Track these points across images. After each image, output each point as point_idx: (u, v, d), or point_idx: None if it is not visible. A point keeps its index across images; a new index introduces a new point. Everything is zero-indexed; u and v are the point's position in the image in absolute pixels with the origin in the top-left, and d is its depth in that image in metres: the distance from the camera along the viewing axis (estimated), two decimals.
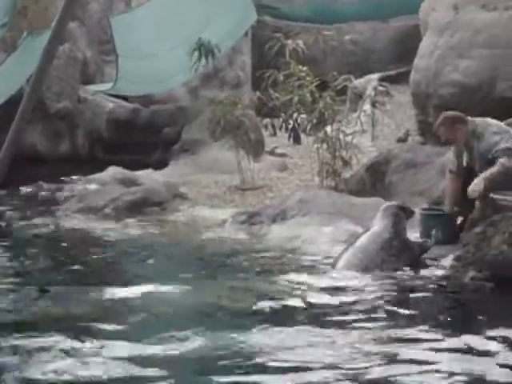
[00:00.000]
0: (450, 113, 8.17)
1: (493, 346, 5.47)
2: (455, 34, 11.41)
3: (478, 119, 8.00)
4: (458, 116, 8.04)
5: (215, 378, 4.99)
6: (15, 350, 5.48)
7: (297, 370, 5.13)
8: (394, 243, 7.49)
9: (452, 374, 4.98)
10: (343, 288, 7.04)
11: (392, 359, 5.27)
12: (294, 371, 5.11)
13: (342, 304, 6.59)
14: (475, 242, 7.28)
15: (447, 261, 7.43)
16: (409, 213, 7.78)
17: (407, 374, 5.00)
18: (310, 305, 6.55)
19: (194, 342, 5.59)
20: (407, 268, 7.41)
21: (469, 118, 7.99)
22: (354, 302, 6.62)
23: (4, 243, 9.32)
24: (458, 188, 8.05)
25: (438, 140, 8.55)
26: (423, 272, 7.36)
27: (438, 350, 5.43)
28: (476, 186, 7.59)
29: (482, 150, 7.86)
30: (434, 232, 7.67)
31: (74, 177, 13.27)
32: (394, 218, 7.59)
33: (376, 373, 5.05)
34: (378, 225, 7.59)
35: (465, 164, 8.07)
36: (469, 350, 5.41)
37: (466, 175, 8.05)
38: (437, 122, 8.15)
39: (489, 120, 8.04)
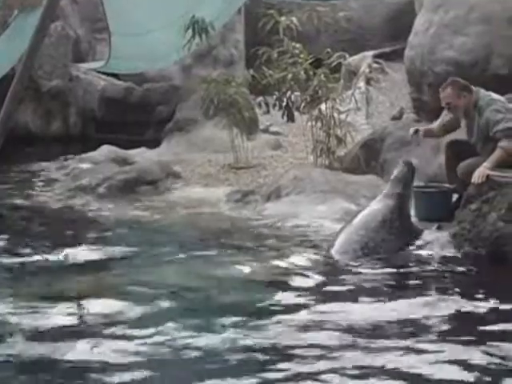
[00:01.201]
0: (459, 79, 8.07)
1: None
2: (450, 11, 11.33)
3: (483, 92, 7.88)
4: (466, 83, 7.96)
5: None
6: None
7: None
8: (396, 224, 7.45)
9: None
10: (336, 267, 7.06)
11: None
12: None
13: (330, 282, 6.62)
14: (471, 219, 7.27)
15: (442, 238, 7.41)
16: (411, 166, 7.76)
17: None
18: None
19: None
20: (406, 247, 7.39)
21: (474, 88, 7.91)
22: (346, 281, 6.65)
23: None
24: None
25: (432, 114, 8.50)
26: (419, 250, 7.35)
27: None
28: (480, 175, 7.46)
29: (481, 125, 7.80)
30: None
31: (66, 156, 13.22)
32: (400, 199, 7.55)
33: None
34: (381, 202, 7.55)
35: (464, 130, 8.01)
36: None
37: (456, 148, 8.01)
38: (445, 84, 8.01)
39: (493, 95, 7.88)
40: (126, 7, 12.33)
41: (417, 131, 8.29)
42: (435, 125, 8.36)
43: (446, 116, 8.22)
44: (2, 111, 11.08)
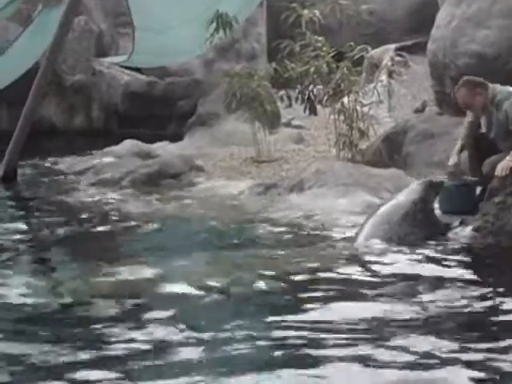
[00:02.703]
0: (472, 77, 8.09)
1: None
2: (473, 4, 11.28)
3: (500, 87, 7.90)
4: (480, 81, 7.96)
5: None
6: None
7: None
8: (418, 216, 7.43)
9: None
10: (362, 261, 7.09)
11: None
12: None
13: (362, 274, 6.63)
14: (494, 212, 7.25)
15: (466, 231, 7.40)
16: (437, 187, 7.72)
17: None
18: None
19: None
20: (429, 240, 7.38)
21: (490, 84, 7.91)
22: (375, 274, 6.66)
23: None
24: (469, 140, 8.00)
25: (455, 107, 8.47)
26: (443, 242, 7.34)
27: None
28: (503, 167, 7.45)
29: (500, 119, 7.80)
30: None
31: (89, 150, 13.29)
32: (423, 192, 7.54)
33: None
34: (404, 196, 7.55)
35: (483, 128, 7.98)
36: None
37: (480, 142, 7.98)
38: (457, 85, 8.04)
39: (511, 89, 7.94)
40: (149, 3, 12.42)
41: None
42: (462, 137, 8.20)
43: (467, 117, 8.18)
44: (25, 105, 11.18)
